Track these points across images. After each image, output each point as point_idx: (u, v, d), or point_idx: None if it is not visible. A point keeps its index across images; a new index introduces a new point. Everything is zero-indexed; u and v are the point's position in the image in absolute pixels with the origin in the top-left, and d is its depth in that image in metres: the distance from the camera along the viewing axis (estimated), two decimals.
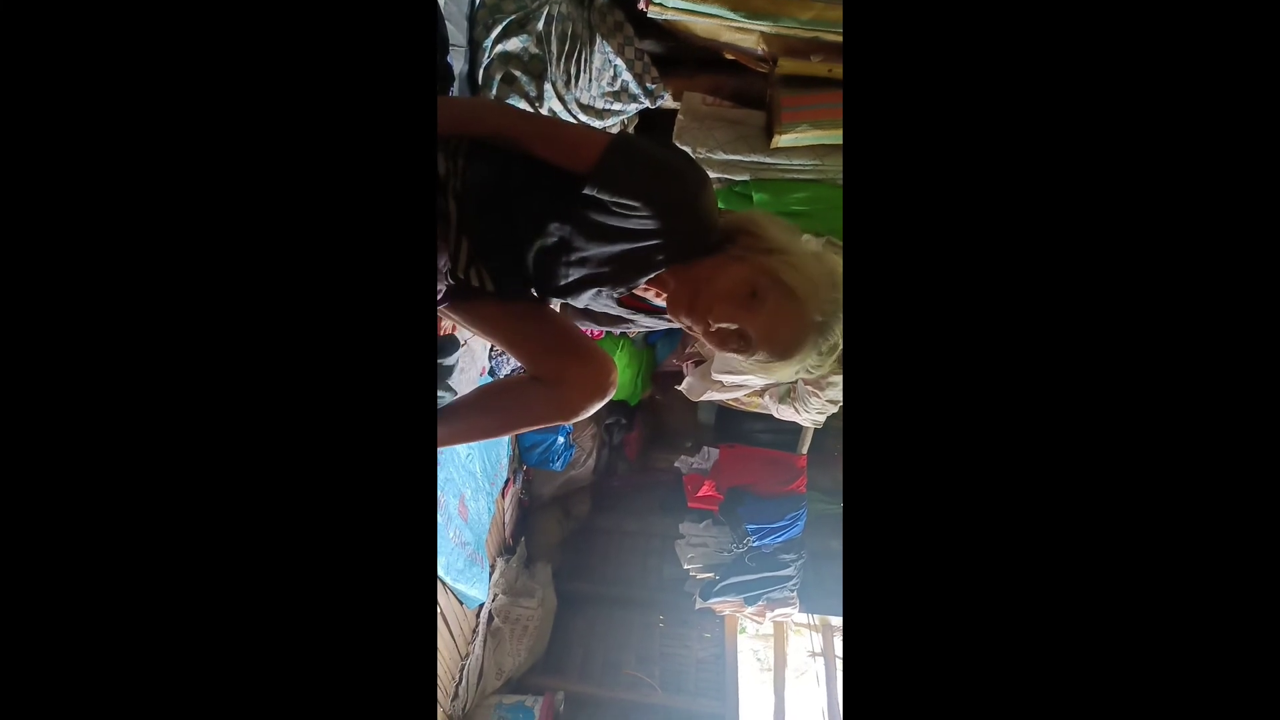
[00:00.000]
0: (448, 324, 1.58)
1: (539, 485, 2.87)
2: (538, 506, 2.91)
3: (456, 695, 2.19)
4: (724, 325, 0.81)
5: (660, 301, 1.02)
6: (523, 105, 1.55)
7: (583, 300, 0.99)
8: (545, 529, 2.90)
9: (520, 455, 2.63)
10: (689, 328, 0.88)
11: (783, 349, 0.81)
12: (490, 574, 2.39)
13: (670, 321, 1.06)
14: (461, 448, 1.98)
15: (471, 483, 2.06)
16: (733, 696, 2.71)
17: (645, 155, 0.88)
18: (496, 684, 2.39)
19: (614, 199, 0.84)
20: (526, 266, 0.93)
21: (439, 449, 1.82)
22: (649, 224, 0.86)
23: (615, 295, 0.99)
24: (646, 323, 1.09)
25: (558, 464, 2.62)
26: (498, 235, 0.91)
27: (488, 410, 1.05)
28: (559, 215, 0.88)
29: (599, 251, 0.90)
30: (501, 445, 2.34)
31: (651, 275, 0.91)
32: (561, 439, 2.57)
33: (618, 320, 1.08)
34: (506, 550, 2.66)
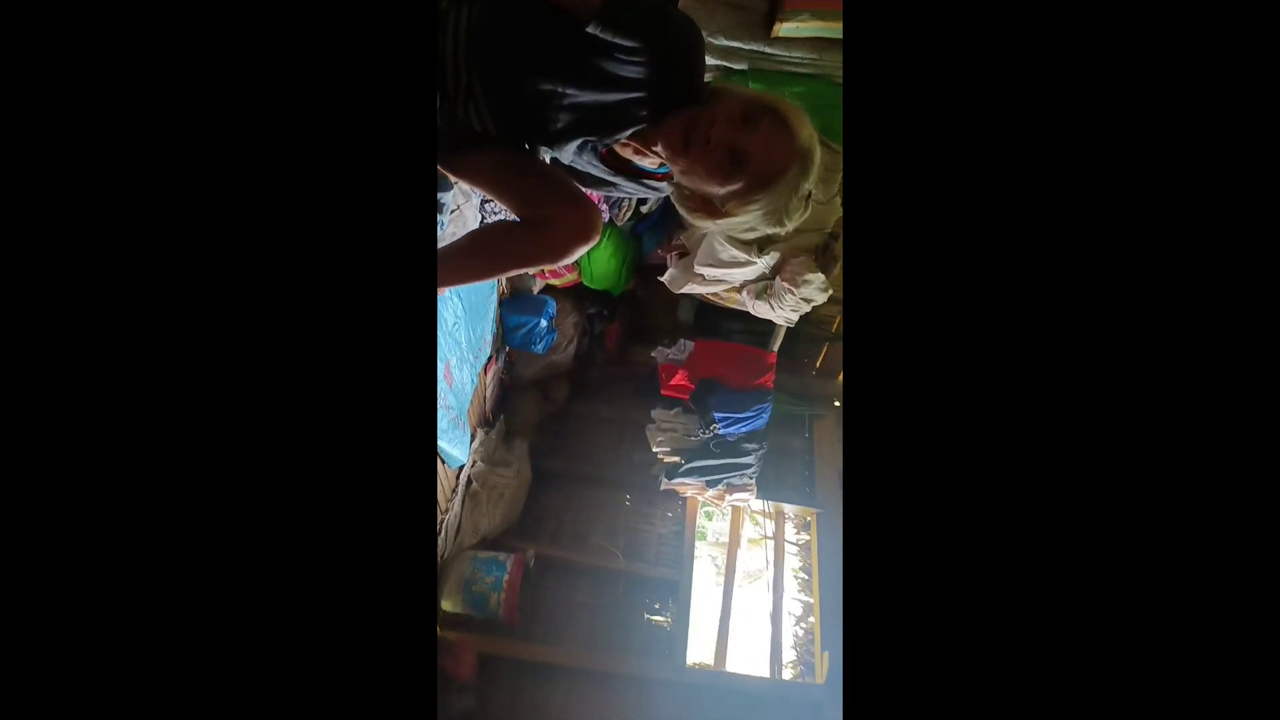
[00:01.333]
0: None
1: (520, 367, 2.98)
2: (519, 387, 3.03)
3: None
4: (723, 142, 0.84)
5: (643, 162, 1.06)
6: None
7: (568, 154, 1.03)
8: (524, 409, 3.04)
9: (504, 336, 2.72)
10: (680, 155, 0.90)
11: (773, 173, 0.85)
12: (471, 441, 2.54)
13: (648, 184, 1.12)
14: (449, 317, 2.06)
15: (457, 351, 2.16)
16: (688, 567, 2.97)
17: (650, 3, 0.92)
18: (473, 540, 2.59)
19: (615, 39, 0.88)
20: (521, 107, 0.97)
21: (442, 292, 1.90)
22: (642, 72, 0.90)
23: (600, 148, 1.03)
24: (628, 187, 1.14)
25: (539, 346, 2.72)
26: (496, 73, 0.94)
27: (477, 252, 1.09)
28: (557, 56, 0.92)
29: (591, 98, 0.93)
30: (486, 321, 2.42)
31: (637, 128, 0.96)
32: (545, 322, 2.66)
33: (601, 182, 1.14)
34: (486, 424, 2.81)
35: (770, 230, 0.99)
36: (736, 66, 1.94)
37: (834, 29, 1.82)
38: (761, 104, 0.87)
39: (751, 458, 2.82)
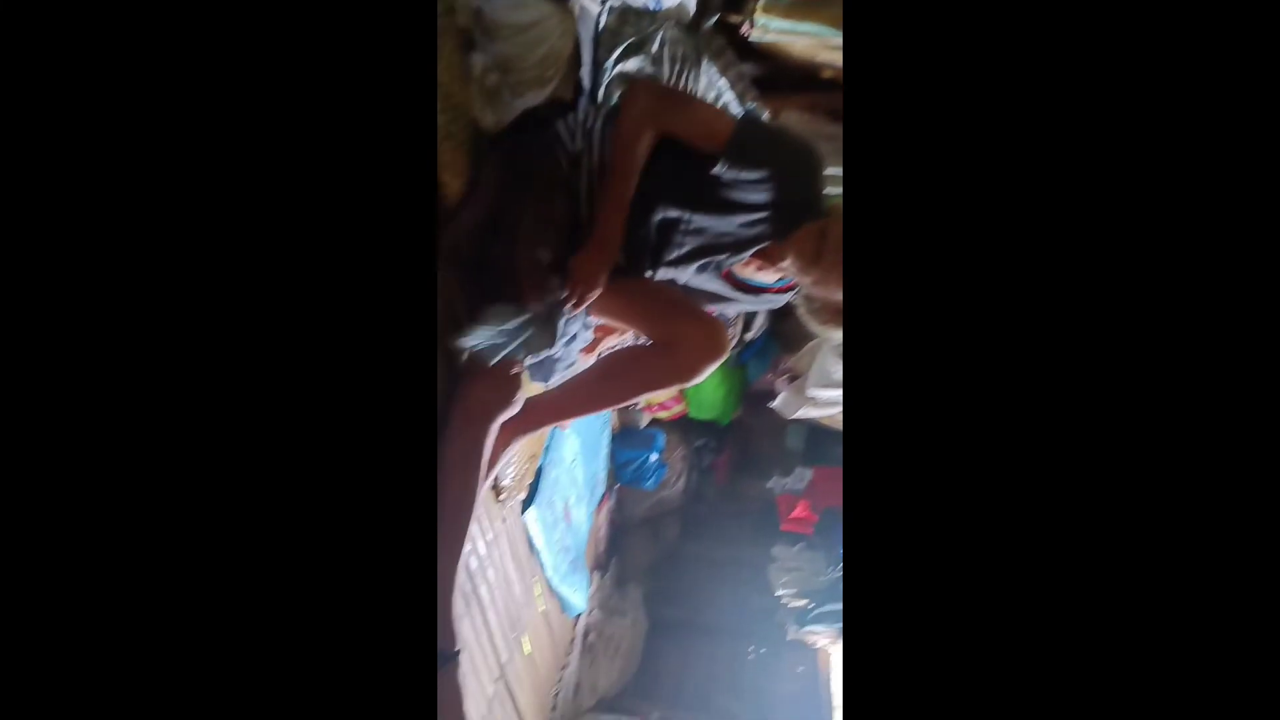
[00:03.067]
0: None
1: (630, 506, 2.90)
2: (629, 527, 2.93)
3: (555, 707, 2.19)
4: None
5: (761, 278, 1.07)
6: None
7: (686, 274, 1.06)
8: (636, 551, 2.91)
9: (615, 473, 2.68)
10: (812, 266, 0.92)
11: None
12: (589, 586, 2.41)
13: (766, 298, 1.11)
14: (567, 453, 2.06)
15: (575, 489, 2.12)
16: None
17: (771, 131, 0.98)
18: (591, 702, 2.38)
19: (741, 173, 0.93)
20: (649, 235, 1.01)
21: (566, 426, 1.89)
22: (768, 196, 0.94)
23: (722, 269, 1.05)
24: (746, 302, 1.14)
25: (650, 482, 2.65)
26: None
27: (609, 377, 1.10)
28: (684, 187, 0.97)
29: (715, 223, 0.98)
30: (600, 458, 2.40)
31: (760, 247, 0.98)
32: (655, 455, 2.61)
33: (718, 298, 1.14)
34: (600, 567, 2.69)
35: None
36: (835, 190, 2.00)
37: None
38: None
39: None
